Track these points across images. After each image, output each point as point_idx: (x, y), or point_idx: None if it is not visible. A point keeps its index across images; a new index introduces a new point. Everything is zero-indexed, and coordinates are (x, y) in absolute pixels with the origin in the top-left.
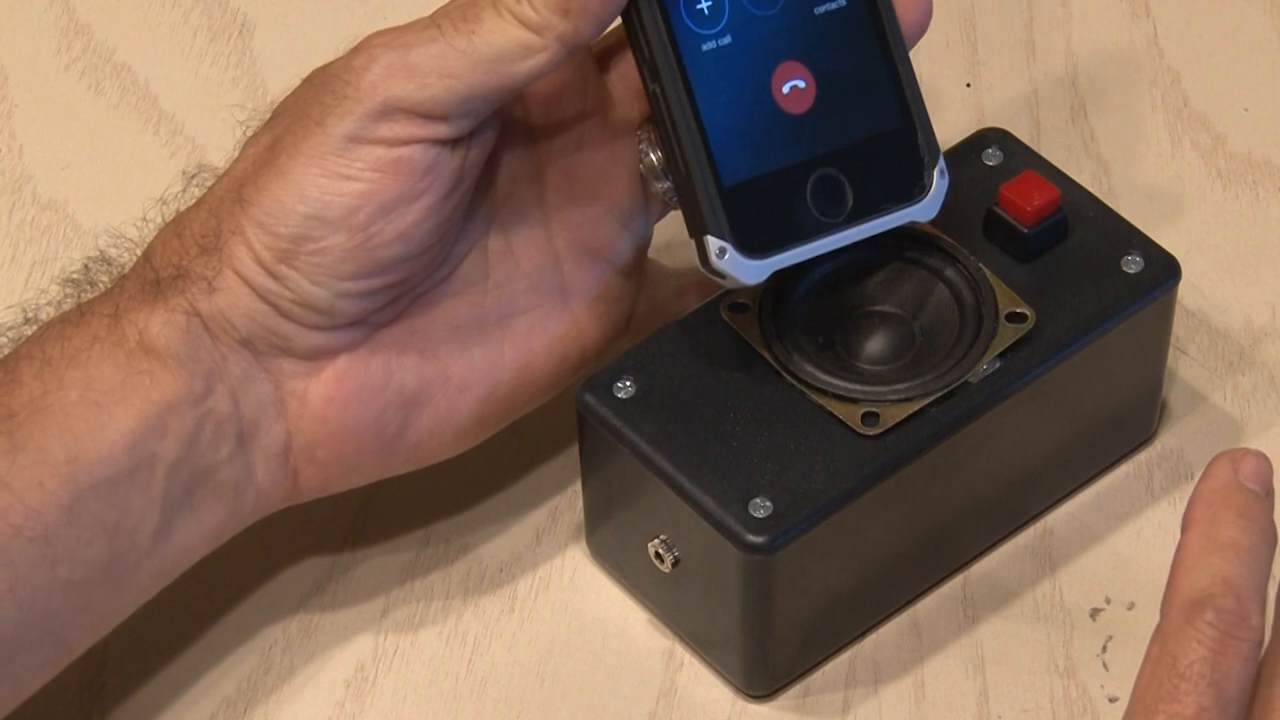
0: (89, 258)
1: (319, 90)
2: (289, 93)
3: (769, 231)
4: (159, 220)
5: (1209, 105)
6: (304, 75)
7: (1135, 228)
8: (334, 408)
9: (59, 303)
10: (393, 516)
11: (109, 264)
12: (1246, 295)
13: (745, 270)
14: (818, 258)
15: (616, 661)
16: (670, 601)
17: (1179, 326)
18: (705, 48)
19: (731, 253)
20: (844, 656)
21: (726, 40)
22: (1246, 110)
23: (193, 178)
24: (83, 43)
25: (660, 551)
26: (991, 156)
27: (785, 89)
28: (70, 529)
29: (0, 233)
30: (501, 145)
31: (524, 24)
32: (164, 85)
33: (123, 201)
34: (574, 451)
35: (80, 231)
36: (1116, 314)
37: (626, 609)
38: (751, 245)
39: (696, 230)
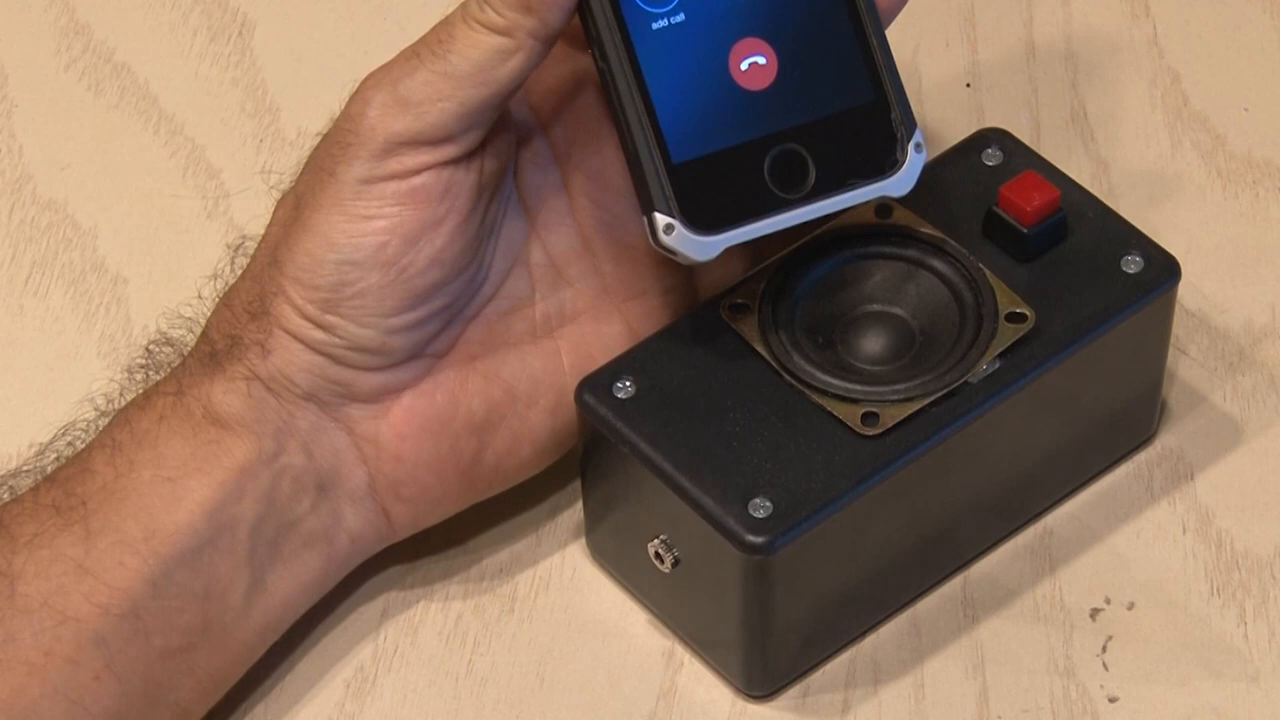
0: (151, 341)
1: (328, 143)
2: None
3: (721, 208)
4: (212, 296)
5: (1209, 105)
6: (303, 75)
7: (1135, 228)
8: (408, 445)
9: (124, 389)
10: None
11: (170, 344)
12: (1246, 295)
13: (694, 247)
14: (817, 258)
15: (616, 661)
16: (670, 601)
17: (1179, 326)
18: (656, 25)
19: (679, 229)
20: (844, 656)
21: (679, 18)
22: (1246, 110)
23: (236, 249)
24: (83, 43)
25: (660, 552)
26: (991, 156)
27: (744, 65)
28: (157, 600)
29: (0, 233)
30: (524, 162)
31: (493, 30)
32: (164, 85)
33: (122, 202)
34: (573, 451)
35: (80, 231)
36: (1116, 314)
37: (626, 609)
38: (701, 222)
39: (645, 207)
